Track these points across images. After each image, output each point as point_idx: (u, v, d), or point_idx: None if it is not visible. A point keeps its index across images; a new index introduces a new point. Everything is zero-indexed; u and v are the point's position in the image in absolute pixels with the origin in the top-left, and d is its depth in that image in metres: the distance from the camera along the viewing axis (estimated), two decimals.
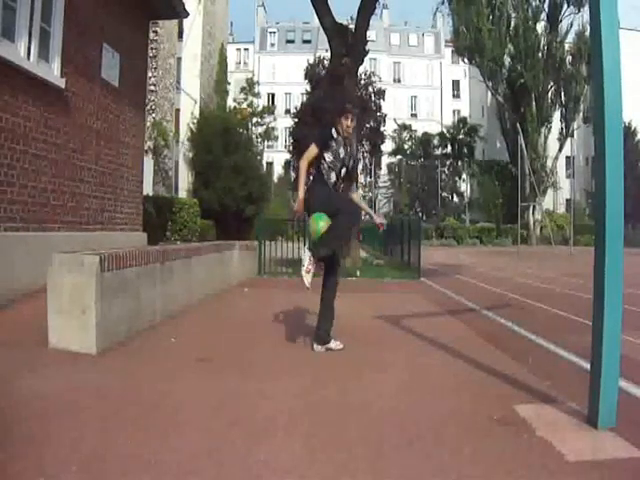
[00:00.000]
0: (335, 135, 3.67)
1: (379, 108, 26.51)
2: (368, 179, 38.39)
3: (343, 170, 3.72)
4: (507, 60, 35.15)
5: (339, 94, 9.37)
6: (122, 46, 7.23)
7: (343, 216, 3.57)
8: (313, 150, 3.65)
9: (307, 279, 3.57)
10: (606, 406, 2.22)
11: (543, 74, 34.14)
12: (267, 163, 37.66)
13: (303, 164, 3.67)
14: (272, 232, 9.76)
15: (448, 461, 1.97)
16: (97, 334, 3.36)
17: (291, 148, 17.29)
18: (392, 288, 8.00)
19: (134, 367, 3.19)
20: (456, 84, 49.22)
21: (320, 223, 3.56)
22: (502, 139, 38.93)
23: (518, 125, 26.85)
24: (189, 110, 23.82)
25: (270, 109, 33.53)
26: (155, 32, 18.31)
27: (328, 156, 3.65)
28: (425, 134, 41.39)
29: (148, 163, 15.42)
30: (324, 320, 3.71)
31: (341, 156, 3.67)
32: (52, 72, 5.67)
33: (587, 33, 30.12)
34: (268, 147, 36.09)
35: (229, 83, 31.52)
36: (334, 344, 3.72)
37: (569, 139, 34.02)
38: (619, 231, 2.23)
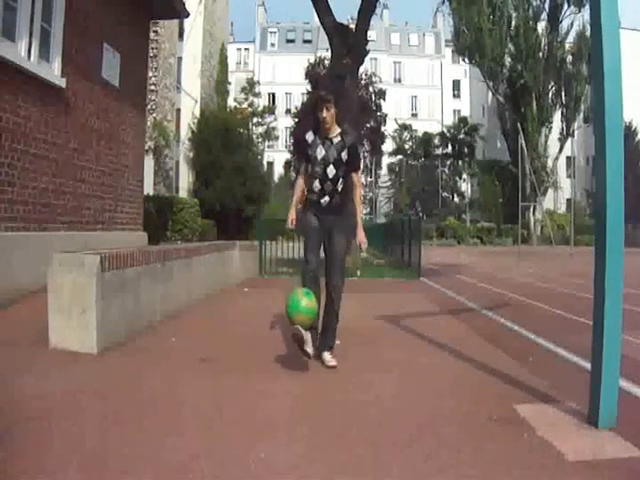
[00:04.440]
0: (310, 138, 3.38)
1: (379, 108, 26.54)
2: (369, 179, 38.48)
3: (330, 170, 3.32)
4: (508, 60, 35.11)
5: (339, 94, 9.33)
6: (122, 46, 7.23)
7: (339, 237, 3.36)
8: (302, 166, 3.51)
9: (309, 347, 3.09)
10: (606, 406, 2.22)
11: (544, 74, 34.10)
12: (267, 163, 37.71)
13: (296, 182, 3.56)
14: (272, 232, 9.74)
15: (448, 461, 1.96)
16: (97, 334, 3.37)
17: (291, 148, 17.30)
18: (392, 288, 7.99)
19: (134, 367, 3.19)
20: (456, 84, 49.20)
21: (300, 304, 3.10)
22: (502, 139, 38.87)
23: (519, 125, 26.74)
24: (190, 110, 23.83)
25: (270, 109, 33.56)
26: (155, 32, 18.32)
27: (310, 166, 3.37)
28: (425, 134, 41.38)
29: (149, 163, 15.43)
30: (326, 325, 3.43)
31: (319, 157, 3.32)
32: (53, 72, 5.68)
33: (587, 33, 30.09)
34: (268, 147, 36.11)
35: (230, 83, 31.53)
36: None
37: (570, 139, 33.98)
38: (619, 231, 2.23)
